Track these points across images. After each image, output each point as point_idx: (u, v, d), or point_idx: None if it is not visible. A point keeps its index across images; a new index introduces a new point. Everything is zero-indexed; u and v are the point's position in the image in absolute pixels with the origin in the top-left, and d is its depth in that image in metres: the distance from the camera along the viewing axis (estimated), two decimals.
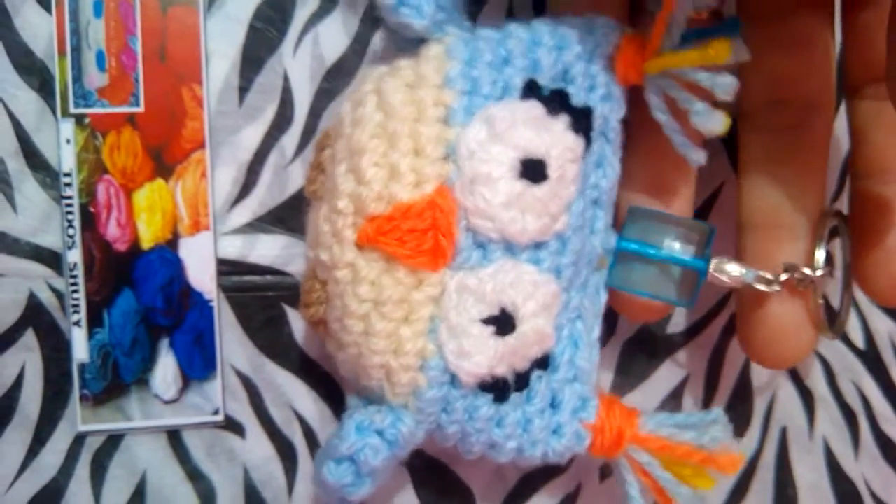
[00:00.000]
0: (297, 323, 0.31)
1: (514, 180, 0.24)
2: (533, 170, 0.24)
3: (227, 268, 0.30)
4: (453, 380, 0.24)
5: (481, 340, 0.24)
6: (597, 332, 0.26)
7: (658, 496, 0.26)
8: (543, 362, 0.25)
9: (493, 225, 0.24)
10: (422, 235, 0.23)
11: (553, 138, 0.24)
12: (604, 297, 0.27)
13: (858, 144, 0.28)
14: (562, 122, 0.25)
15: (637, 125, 0.27)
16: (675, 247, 0.26)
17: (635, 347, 0.33)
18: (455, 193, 0.23)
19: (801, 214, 0.27)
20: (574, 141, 0.24)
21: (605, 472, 0.32)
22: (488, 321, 0.24)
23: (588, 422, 0.26)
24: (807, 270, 0.27)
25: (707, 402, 0.33)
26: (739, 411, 0.33)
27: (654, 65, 0.24)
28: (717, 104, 0.23)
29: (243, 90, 0.30)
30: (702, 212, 0.32)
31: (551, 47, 0.25)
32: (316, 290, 0.25)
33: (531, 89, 0.24)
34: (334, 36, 0.30)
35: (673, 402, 0.33)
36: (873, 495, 0.34)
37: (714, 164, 0.28)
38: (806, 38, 0.27)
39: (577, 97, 0.25)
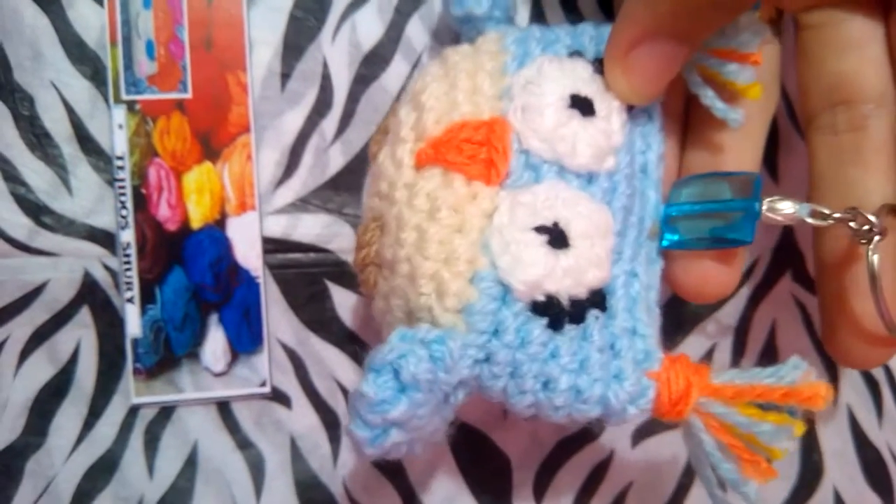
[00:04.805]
0: (339, 297, 0.32)
1: (565, 109, 0.25)
2: (582, 104, 0.25)
3: (272, 246, 0.31)
4: (505, 297, 0.23)
5: (534, 249, 0.23)
6: (654, 296, 0.26)
7: (740, 453, 0.24)
8: (600, 300, 0.24)
9: (545, 145, 0.24)
10: (477, 147, 0.24)
11: (599, 85, 0.26)
12: (658, 265, 0.27)
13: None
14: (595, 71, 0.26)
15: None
16: (724, 195, 0.26)
17: (662, 319, 0.34)
18: (509, 120, 0.25)
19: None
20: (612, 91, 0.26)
21: (637, 437, 0.34)
22: (540, 230, 0.23)
23: (652, 370, 0.24)
24: (871, 216, 0.25)
25: None
26: None
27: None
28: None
29: (285, 76, 0.31)
30: None
31: (592, 35, 0.27)
32: (370, 230, 0.26)
33: (575, 56, 0.26)
34: (370, 24, 0.32)
35: None
36: None
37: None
38: (860, 40, 0.27)
39: None
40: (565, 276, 0.23)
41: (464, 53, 0.27)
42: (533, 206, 0.24)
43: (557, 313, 0.23)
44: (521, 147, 0.25)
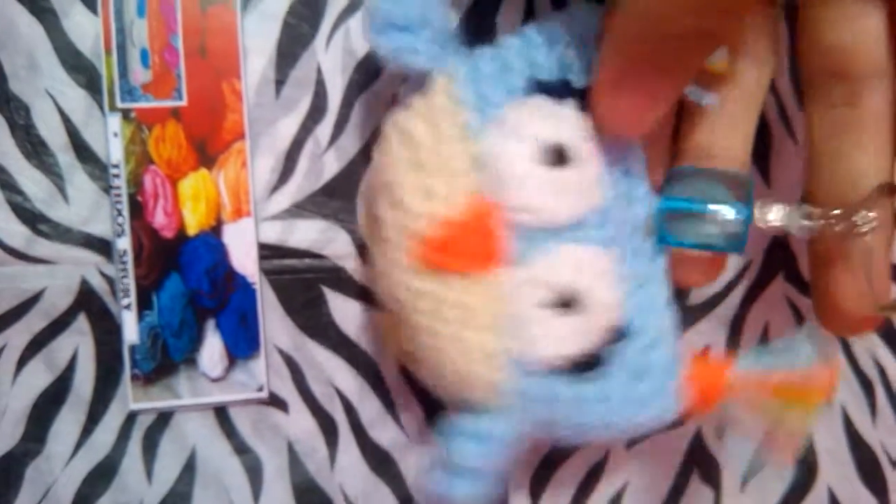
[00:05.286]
0: (334, 303, 0.32)
1: (538, 168, 0.25)
2: (553, 155, 0.25)
3: (268, 252, 0.32)
4: (528, 370, 0.25)
5: (546, 324, 0.25)
6: (664, 295, 0.27)
7: (772, 440, 0.26)
8: (617, 335, 0.25)
9: (530, 215, 0.25)
10: (470, 244, 0.25)
11: (563, 123, 0.25)
12: (661, 261, 0.27)
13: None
14: (569, 105, 0.26)
15: None
16: (719, 197, 0.26)
17: None
18: (489, 197, 0.25)
19: (864, 192, 0.26)
20: (584, 119, 0.26)
21: (632, 439, 0.34)
22: (548, 305, 0.25)
23: (677, 385, 0.26)
24: (870, 213, 0.25)
25: None
26: None
27: None
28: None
29: (279, 83, 0.32)
30: None
31: (542, 44, 0.26)
32: (385, 316, 0.27)
33: (533, 87, 0.26)
34: (364, 30, 0.32)
35: None
36: (891, 461, 0.35)
37: None
38: (859, 12, 0.26)
39: (579, 81, 0.26)
40: (582, 335, 0.25)
41: (420, 118, 0.26)
42: (535, 280, 0.25)
43: (579, 368, 0.25)
44: (508, 221, 0.25)
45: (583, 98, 0.26)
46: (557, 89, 0.26)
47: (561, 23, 0.26)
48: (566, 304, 0.25)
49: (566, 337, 0.25)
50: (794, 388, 0.25)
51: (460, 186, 0.25)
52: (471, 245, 0.25)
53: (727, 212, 0.26)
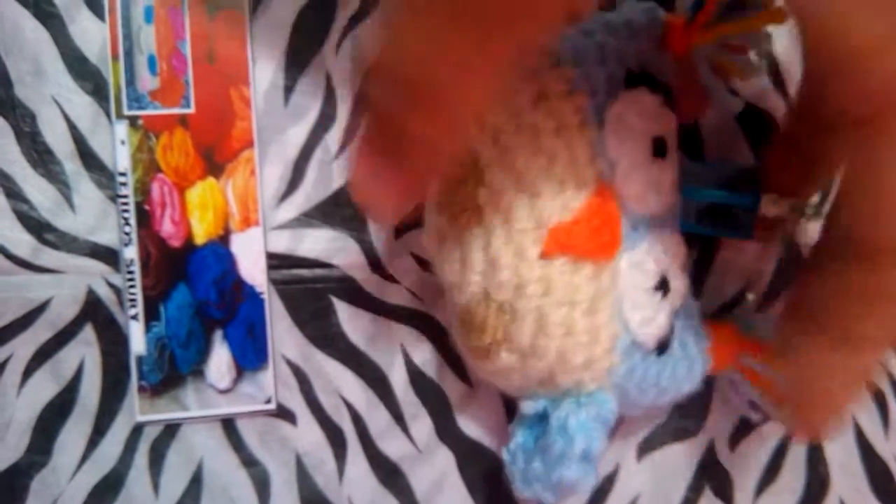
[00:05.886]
0: (343, 313, 0.32)
1: (652, 160, 0.26)
2: (660, 147, 0.26)
3: (277, 261, 0.31)
4: (636, 350, 0.26)
5: (655, 305, 0.26)
6: (688, 278, 0.29)
7: (772, 394, 0.29)
8: (678, 315, 0.28)
9: (642, 204, 0.26)
10: (599, 232, 0.25)
11: (661, 116, 0.27)
12: (680, 236, 0.29)
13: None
14: (657, 99, 0.27)
15: None
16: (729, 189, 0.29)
17: None
18: (612, 186, 0.25)
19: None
20: (670, 114, 0.27)
21: (642, 450, 0.33)
22: (656, 287, 0.26)
23: (708, 348, 0.29)
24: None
25: None
26: None
27: (706, 36, 0.27)
28: None
29: (288, 90, 0.31)
30: None
31: (625, 35, 0.27)
32: (490, 312, 0.26)
33: (631, 78, 0.26)
34: (373, 37, 0.31)
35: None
36: None
37: None
38: None
39: (660, 76, 0.27)
40: (667, 317, 0.27)
41: (538, 104, 0.25)
42: (644, 264, 0.26)
43: (665, 343, 0.27)
44: (625, 211, 0.26)
45: (665, 93, 0.27)
46: (646, 81, 0.26)
47: (633, 13, 0.27)
48: (665, 286, 0.26)
49: (661, 319, 0.26)
50: (748, 28, 0.28)
51: (587, 175, 0.25)
52: (600, 232, 0.25)
53: (736, 202, 0.29)
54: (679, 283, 0.27)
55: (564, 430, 0.26)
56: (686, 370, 0.28)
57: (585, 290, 0.25)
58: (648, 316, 0.26)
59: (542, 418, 0.27)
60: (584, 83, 0.25)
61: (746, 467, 0.34)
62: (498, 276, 0.25)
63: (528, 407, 0.28)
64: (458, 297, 0.27)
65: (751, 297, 0.33)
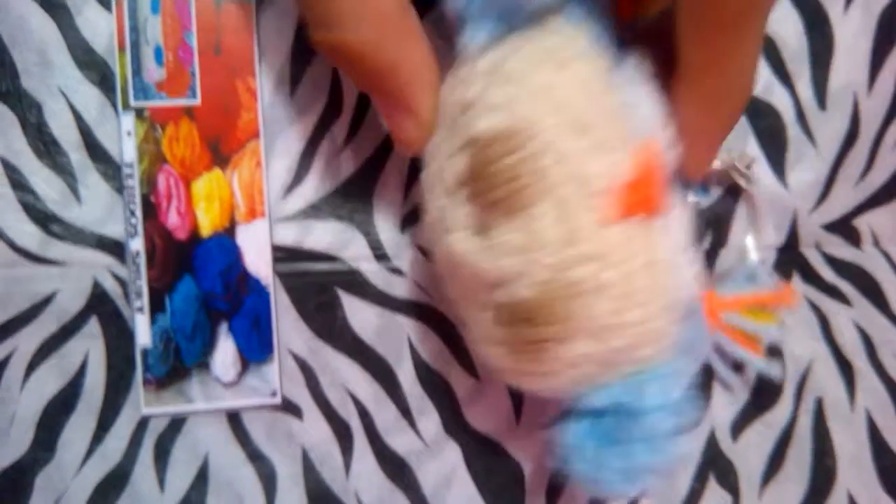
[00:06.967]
0: (350, 307, 0.31)
1: (662, 118, 0.25)
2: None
3: (283, 254, 0.31)
4: (689, 310, 0.26)
5: (688, 267, 0.26)
6: None
7: (747, 344, 0.31)
8: None
9: (670, 162, 0.25)
10: (655, 190, 0.24)
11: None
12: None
13: None
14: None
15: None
16: None
17: None
18: (650, 143, 0.24)
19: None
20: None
21: None
22: (685, 249, 0.26)
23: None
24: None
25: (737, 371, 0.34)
26: (770, 383, 0.34)
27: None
28: None
29: (295, 82, 0.31)
30: None
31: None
32: (566, 293, 0.23)
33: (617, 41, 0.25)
34: None
35: (704, 389, 0.34)
36: None
37: None
38: None
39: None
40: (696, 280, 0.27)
41: (559, 69, 0.24)
42: (682, 222, 0.26)
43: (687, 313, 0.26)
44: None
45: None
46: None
47: None
48: (690, 249, 0.26)
49: (694, 281, 0.26)
50: (762, 305, 0.31)
51: (628, 135, 0.24)
52: (655, 191, 0.24)
53: None
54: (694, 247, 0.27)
55: (662, 408, 0.24)
56: (702, 335, 0.29)
57: (664, 247, 0.24)
58: (691, 277, 0.26)
59: (609, 407, 0.25)
60: (596, 44, 0.24)
61: (750, 458, 0.34)
62: (579, 249, 0.23)
63: (598, 398, 0.25)
64: (515, 289, 0.24)
65: (750, 241, 0.34)
